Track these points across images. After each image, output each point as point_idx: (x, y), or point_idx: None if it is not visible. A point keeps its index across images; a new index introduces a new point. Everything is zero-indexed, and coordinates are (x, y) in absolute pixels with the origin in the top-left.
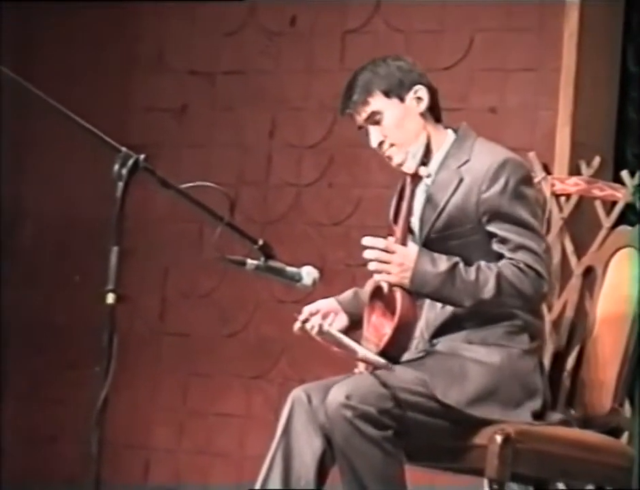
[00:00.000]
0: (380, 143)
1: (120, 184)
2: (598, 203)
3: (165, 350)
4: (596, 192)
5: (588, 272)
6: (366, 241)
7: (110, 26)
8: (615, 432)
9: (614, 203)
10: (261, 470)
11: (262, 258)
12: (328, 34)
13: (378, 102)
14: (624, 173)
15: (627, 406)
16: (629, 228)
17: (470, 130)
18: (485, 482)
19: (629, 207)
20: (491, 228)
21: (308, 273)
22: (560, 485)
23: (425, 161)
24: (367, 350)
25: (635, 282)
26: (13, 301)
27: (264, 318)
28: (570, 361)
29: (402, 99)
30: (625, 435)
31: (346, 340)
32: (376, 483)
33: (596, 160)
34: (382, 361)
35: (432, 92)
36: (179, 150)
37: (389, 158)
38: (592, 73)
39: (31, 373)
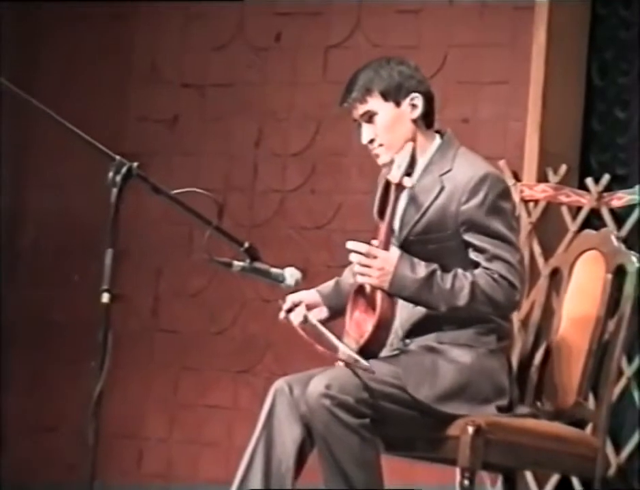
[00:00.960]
0: (371, 141)
1: (115, 190)
2: (564, 209)
3: (157, 346)
4: (563, 198)
5: (555, 273)
6: (350, 245)
7: (106, 39)
8: (580, 424)
9: (579, 209)
10: (245, 455)
11: (248, 260)
12: (311, 49)
13: (375, 102)
14: (589, 181)
15: (591, 399)
16: (593, 232)
17: (454, 138)
18: (457, 471)
19: (593, 212)
20: (468, 238)
21: (291, 274)
22: (528, 474)
23: (409, 172)
24: (347, 348)
25: (599, 282)
26: (14, 299)
27: (250, 316)
28: (538, 358)
29: (398, 104)
30: (589, 427)
31: (328, 335)
32: (353, 467)
33: (563, 168)
34: (362, 361)
35: (428, 100)
36: (171, 158)
37: (376, 156)
38: (559, 87)
39: (32, 368)
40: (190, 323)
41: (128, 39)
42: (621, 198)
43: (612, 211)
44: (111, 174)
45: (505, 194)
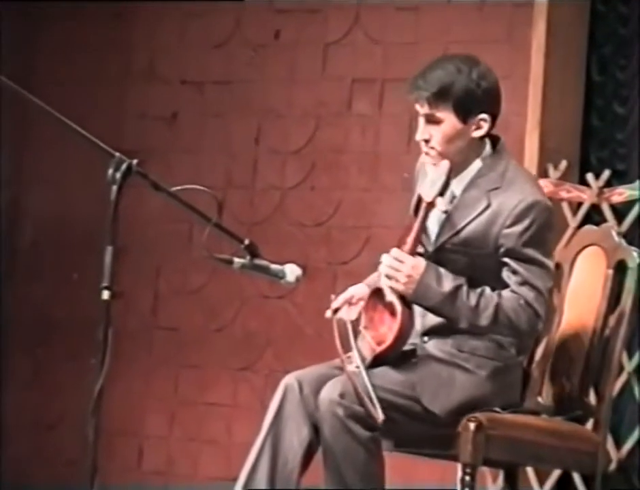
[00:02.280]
0: (426, 140)
1: (114, 187)
2: (564, 204)
3: (157, 343)
4: (563, 194)
5: (556, 269)
6: (394, 251)
7: (105, 37)
8: (581, 419)
9: (580, 204)
10: (251, 451)
11: (248, 257)
12: (310, 46)
13: (445, 112)
14: (589, 176)
15: (592, 395)
16: (594, 227)
17: (505, 150)
18: (459, 466)
19: (594, 207)
20: (504, 259)
21: (291, 271)
22: (529, 470)
23: (442, 192)
24: (366, 377)
25: (600, 278)
26: (15, 297)
27: (250, 312)
28: (539, 353)
29: (465, 122)
30: (590, 422)
31: (355, 351)
32: (356, 479)
33: (563, 164)
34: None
35: (494, 119)
36: (170, 155)
37: (426, 153)
38: (558, 82)
39: (32, 365)
40: (190, 320)
41: (127, 37)
42: (621, 193)
43: (612, 207)
44: (110, 171)
45: (549, 224)
